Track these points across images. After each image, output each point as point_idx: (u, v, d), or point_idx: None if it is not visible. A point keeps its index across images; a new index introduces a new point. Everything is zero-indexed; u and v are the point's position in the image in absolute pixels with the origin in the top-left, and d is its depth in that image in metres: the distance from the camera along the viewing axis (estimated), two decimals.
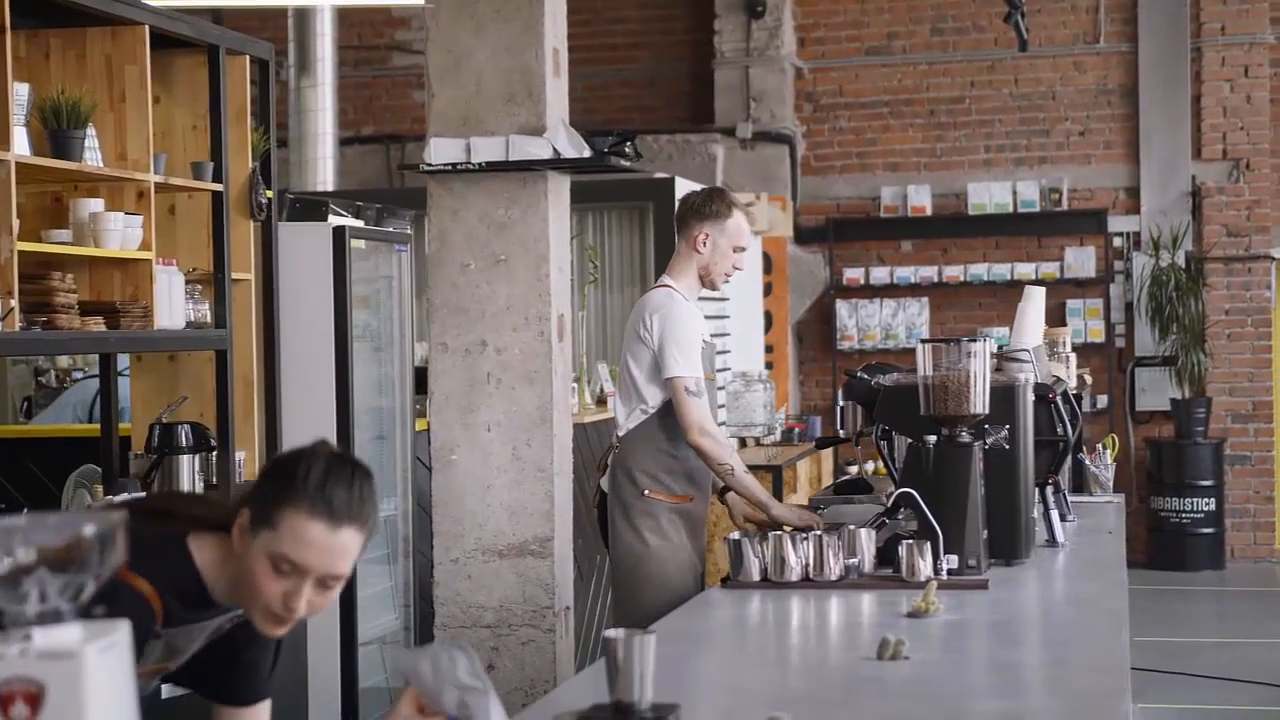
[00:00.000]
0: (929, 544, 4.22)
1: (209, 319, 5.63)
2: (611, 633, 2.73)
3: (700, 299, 5.50)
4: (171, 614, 2.64)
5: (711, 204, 5.37)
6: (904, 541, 4.26)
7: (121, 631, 1.81)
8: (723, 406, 9.96)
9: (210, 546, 2.68)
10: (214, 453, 5.65)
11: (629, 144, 6.49)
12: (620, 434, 5.36)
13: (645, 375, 5.24)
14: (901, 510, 4.44)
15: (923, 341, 4.48)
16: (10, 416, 9.09)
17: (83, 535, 1.77)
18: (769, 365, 12.38)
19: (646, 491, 5.25)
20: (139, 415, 5.81)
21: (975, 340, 4.44)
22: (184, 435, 5.49)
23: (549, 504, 6.08)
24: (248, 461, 5.91)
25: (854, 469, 12.30)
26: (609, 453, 5.43)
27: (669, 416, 5.21)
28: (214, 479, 5.69)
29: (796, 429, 11.35)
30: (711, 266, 5.35)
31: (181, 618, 2.67)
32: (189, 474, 5.50)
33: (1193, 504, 12.31)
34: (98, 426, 5.91)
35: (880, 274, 12.98)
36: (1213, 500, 12.33)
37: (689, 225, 5.39)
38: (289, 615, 2.60)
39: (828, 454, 11.43)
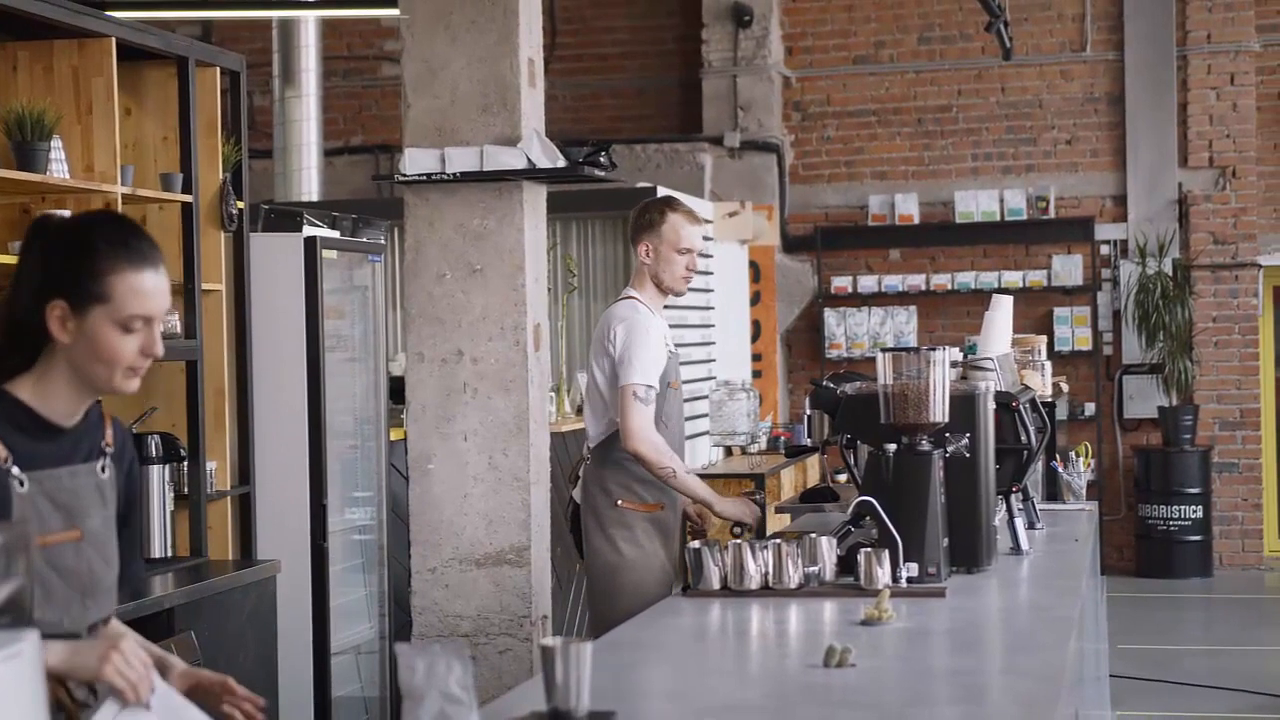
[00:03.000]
0: (888, 552, 4.24)
1: (179, 330, 5.65)
2: (548, 641, 2.76)
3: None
4: (19, 452, 2.67)
5: (645, 214, 5.53)
6: (863, 550, 4.27)
7: (28, 641, 1.83)
8: (705, 416, 9.98)
9: (20, 382, 2.72)
10: (184, 463, 5.66)
11: (604, 153, 6.51)
12: (591, 445, 5.43)
13: (612, 387, 5.32)
14: (864, 518, 4.45)
15: (883, 350, 4.50)
16: None
17: None
18: (757, 374, 12.40)
19: (620, 502, 5.33)
20: None
21: (935, 349, 4.46)
22: (154, 446, 5.50)
23: (525, 513, 6.09)
24: (219, 472, 5.93)
25: (843, 477, 12.32)
26: (579, 464, 5.47)
27: None
28: (185, 489, 5.70)
29: (783, 437, 11.36)
30: (661, 274, 5.44)
31: (35, 455, 2.69)
32: (159, 484, 5.51)
33: (1180, 511, 12.32)
34: None
35: (868, 283, 13.00)
36: (1200, 507, 12.34)
37: (633, 239, 5.55)
38: (143, 365, 2.73)
39: (814, 462, 11.44)
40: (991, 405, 4.72)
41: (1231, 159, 12.65)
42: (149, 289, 2.70)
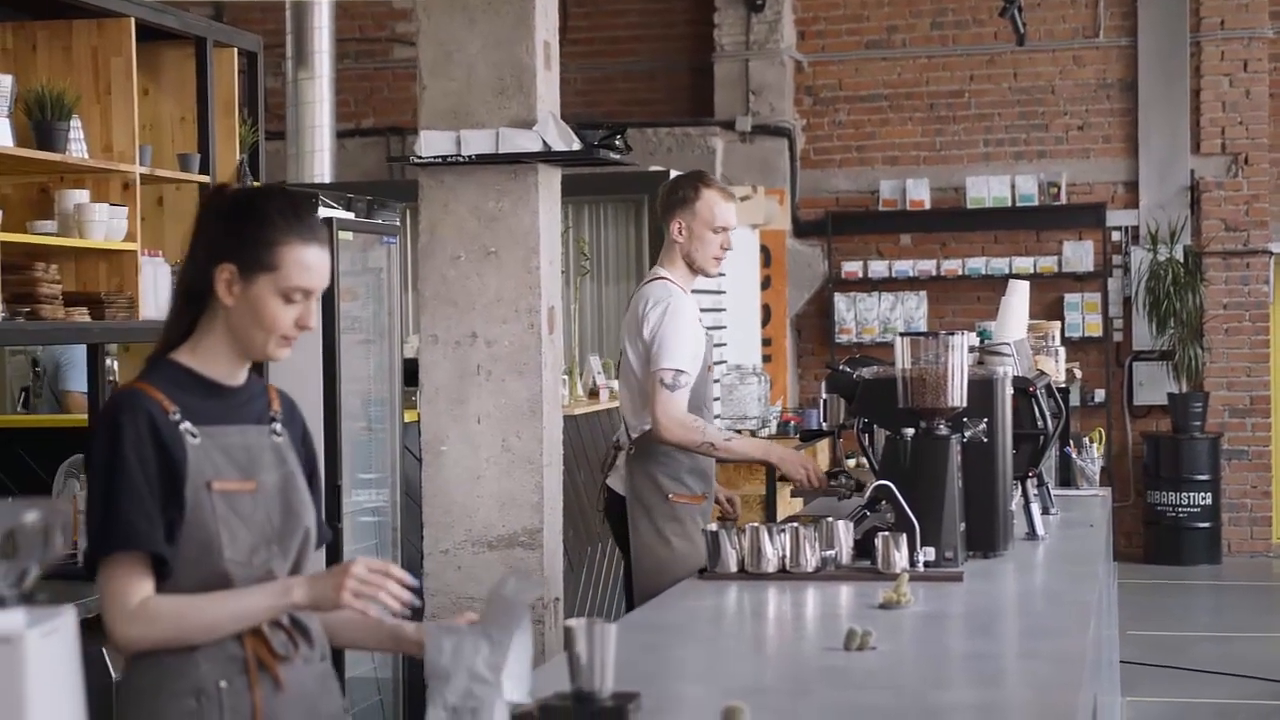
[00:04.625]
0: (905, 536, 4.24)
1: None
2: (572, 622, 2.76)
3: (698, 290, 5.48)
4: (186, 406, 2.80)
5: (677, 190, 5.33)
6: (880, 534, 4.27)
7: (65, 616, 1.83)
8: (717, 399, 9.98)
9: (179, 350, 2.87)
10: None
11: (619, 137, 6.50)
12: (634, 435, 5.27)
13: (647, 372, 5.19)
14: (881, 502, 4.45)
15: (901, 334, 4.49)
16: (9, 407, 9.12)
17: (23, 522, 1.80)
18: (767, 358, 12.40)
19: (671, 495, 5.19)
20: None
21: (954, 334, 4.45)
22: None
23: (539, 495, 6.09)
24: None
25: (851, 462, 12.32)
26: (614, 454, 5.33)
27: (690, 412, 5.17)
28: None
29: (793, 422, 11.36)
30: (694, 253, 5.28)
31: (203, 412, 2.82)
32: None
33: (1189, 498, 12.32)
34: (85, 418, 5.93)
35: (879, 268, 12.99)
36: (1209, 494, 12.34)
37: (664, 217, 5.36)
38: (297, 335, 2.86)
39: (824, 446, 11.44)
40: (1009, 390, 4.73)
41: (1244, 146, 12.63)
42: (314, 263, 2.83)
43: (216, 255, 2.83)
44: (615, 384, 8.40)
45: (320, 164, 10.16)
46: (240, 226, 2.83)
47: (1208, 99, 12.70)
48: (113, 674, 4.15)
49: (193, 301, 2.86)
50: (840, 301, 13.04)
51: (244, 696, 2.80)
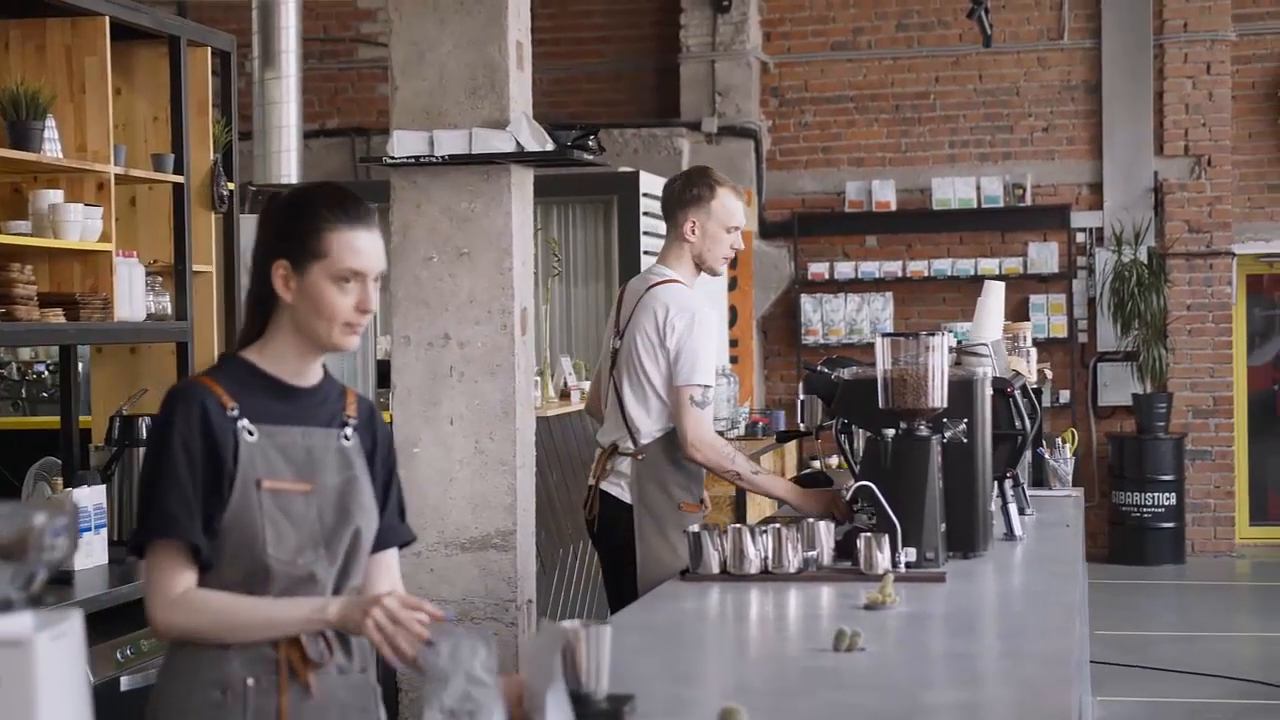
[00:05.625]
0: (887, 537, 4.24)
1: (170, 311, 5.62)
2: (568, 624, 2.75)
3: None
4: (248, 404, 2.85)
5: (691, 189, 5.12)
6: (862, 534, 4.27)
7: (73, 621, 1.82)
8: None
9: (250, 349, 2.92)
10: None
11: (592, 137, 6.49)
12: (644, 440, 5.08)
13: (667, 381, 5.02)
14: (859, 503, 4.45)
15: (882, 335, 4.50)
16: None
17: (32, 525, 1.78)
18: (734, 359, 12.41)
19: (682, 505, 5.06)
20: (99, 407, 5.78)
21: (934, 334, 4.46)
22: (144, 427, 5.47)
23: (511, 497, 6.08)
24: None
25: (816, 463, 12.35)
26: (609, 458, 5.16)
27: None
28: None
29: (761, 423, 11.38)
30: (705, 253, 5.12)
31: (267, 411, 2.87)
32: None
33: (1154, 498, 12.39)
34: (58, 419, 5.88)
35: (845, 269, 13.02)
36: (1173, 495, 12.41)
37: (674, 214, 5.17)
38: (360, 320, 2.89)
39: (791, 448, 11.46)
40: (989, 391, 4.74)
41: (1207, 148, 12.71)
42: (362, 245, 2.88)
43: (271, 255, 2.89)
44: (585, 385, 8.40)
45: (287, 164, 10.10)
46: (288, 223, 2.90)
47: (1171, 101, 12.77)
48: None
49: (260, 307, 2.92)
50: (807, 303, 13.06)
51: (271, 697, 2.83)
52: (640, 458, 5.08)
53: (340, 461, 2.94)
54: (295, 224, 2.89)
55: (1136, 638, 9.81)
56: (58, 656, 1.78)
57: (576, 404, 7.92)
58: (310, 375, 2.95)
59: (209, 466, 2.80)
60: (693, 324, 5.00)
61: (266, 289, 2.90)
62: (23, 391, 8.66)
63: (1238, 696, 8.30)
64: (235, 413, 2.84)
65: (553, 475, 7.34)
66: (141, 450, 5.50)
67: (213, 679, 2.82)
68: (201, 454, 2.79)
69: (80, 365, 8.35)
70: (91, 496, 4.88)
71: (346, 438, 2.96)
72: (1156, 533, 12.41)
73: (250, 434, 2.84)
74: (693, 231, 5.12)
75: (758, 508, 9.10)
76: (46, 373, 8.68)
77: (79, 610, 1.86)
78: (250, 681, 2.82)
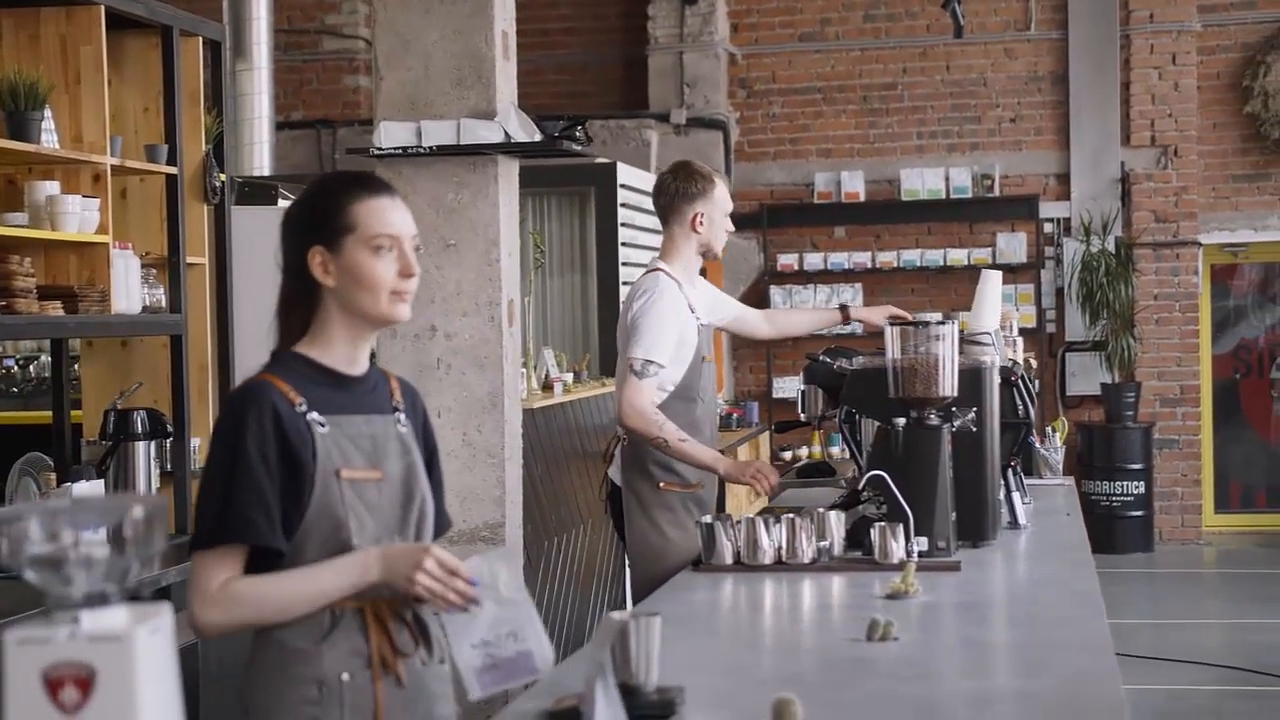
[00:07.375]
0: (901, 526, 4.24)
1: (164, 303, 5.56)
2: (618, 615, 2.73)
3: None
4: (313, 397, 2.84)
5: (693, 183, 5.34)
6: (876, 524, 4.27)
7: (165, 615, 1.79)
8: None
9: (303, 342, 2.90)
10: (170, 439, 5.58)
11: (579, 128, 6.47)
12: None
13: None
14: (866, 493, 4.44)
15: (891, 324, 4.49)
16: None
17: (132, 517, 1.75)
18: None
19: (661, 484, 5.19)
20: (91, 402, 5.72)
21: (944, 323, 4.46)
22: (139, 421, 5.42)
23: (500, 489, 6.06)
24: (203, 448, 5.84)
25: (804, 452, 12.36)
26: (614, 443, 5.31)
27: (677, 403, 5.16)
28: (169, 466, 5.62)
29: (735, 414, 11.39)
30: (712, 241, 5.40)
31: (329, 402, 2.86)
32: (144, 461, 5.43)
33: (1122, 487, 12.46)
34: (49, 414, 5.82)
35: (814, 260, 13.02)
36: (1142, 483, 12.48)
37: (679, 210, 5.34)
38: (406, 286, 2.87)
39: (764, 439, 11.47)
40: (997, 379, 4.75)
41: (1173, 138, 12.78)
42: (388, 209, 2.88)
43: (304, 246, 2.88)
44: (569, 377, 8.38)
45: (260, 156, 10.04)
46: (311, 211, 2.90)
47: (1137, 91, 12.83)
48: None
49: (302, 303, 2.90)
50: (776, 294, 13.06)
51: (366, 691, 2.81)
52: (625, 441, 5.22)
53: (400, 447, 2.93)
54: (319, 210, 2.89)
55: (1109, 625, 9.85)
56: (154, 649, 1.76)
57: (560, 396, 7.90)
58: (361, 363, 2.95)
59: (286, 466, 2.79)
60: (648, 302, 5.15)
61: (307, 282, 2.87)
62: (17, 386, 8.61)
63: (1211, 682, 8.37)
64: (304, 407, 2.83)
65: (537, 468, 7.32)
66: (135, 445, 5.45)
67: (307, 675, 2.79)
68: (277, 454, 2.78)
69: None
70: (90, 492, 4.83)
71: (401, 423, 2.95)
72: (1126, 521, 12.48)
73: (322, 425, 2.83)
74: (701, 223, 5.34)
75: (736, 499, 9.10)
76: (15, 367, 8.61)
77: (168, 604, 1.83)
78: (345, 676, 2.79)
